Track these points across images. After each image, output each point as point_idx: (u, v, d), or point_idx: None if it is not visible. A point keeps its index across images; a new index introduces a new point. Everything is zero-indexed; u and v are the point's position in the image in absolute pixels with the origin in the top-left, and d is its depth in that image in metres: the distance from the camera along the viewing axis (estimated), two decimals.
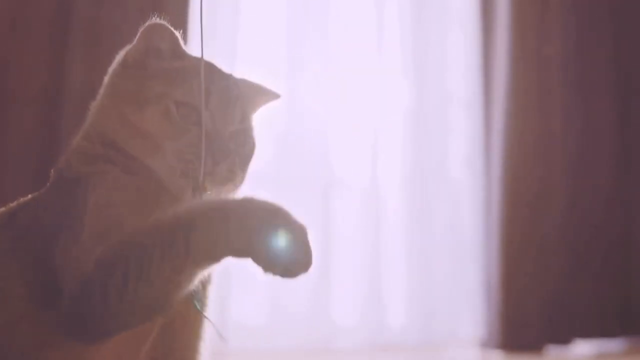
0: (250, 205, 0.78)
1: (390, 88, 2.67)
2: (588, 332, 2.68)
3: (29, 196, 0.96)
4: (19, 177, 1.97)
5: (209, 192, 0.89)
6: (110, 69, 0.98)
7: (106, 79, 0.98)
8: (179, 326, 0.90)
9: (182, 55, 0.96)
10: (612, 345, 2.71)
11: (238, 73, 1.01)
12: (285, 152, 2.46)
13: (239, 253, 0.77)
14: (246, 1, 2.47)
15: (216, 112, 0.92)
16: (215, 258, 0.78)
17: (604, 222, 2.78)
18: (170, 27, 0.96)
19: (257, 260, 0.77)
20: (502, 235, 2.60)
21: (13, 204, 0.95)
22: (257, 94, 1.01)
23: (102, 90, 0.97)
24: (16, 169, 1.98)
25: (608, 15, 2.90)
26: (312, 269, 0.79)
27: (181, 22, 2.09)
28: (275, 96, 1.03)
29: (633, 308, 2.77)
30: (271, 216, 0.78)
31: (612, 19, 2.90)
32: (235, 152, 0.92)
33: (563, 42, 2.76)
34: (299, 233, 0.79)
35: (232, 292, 2.26)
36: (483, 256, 2.67)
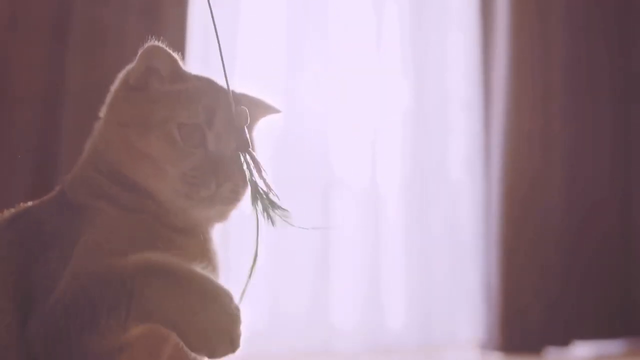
0: (194, 283, 0.82)
1: (390, 88, 2.66)
2: (588, 334, 2.68)
3: (30, 203, 0.96)
4: (19, 177, 1.97)
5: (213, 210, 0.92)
6: (112, 88, 0.98)
7: (108, 98, 0.98)
8: None
9: (183, 76, 0.96)
10: (612, 346, 2.71)
11: (238, 85, 1.00)
12: (285, 152, 2.46)
13: (171, 327, 0.81)
14: (246, 4, 2.47)
15: (220, 132, 0.92)
16: (153, 322, 0.81)
17: (604, 223, 2.79)
18: (167, 49, 0.95)
19: (184, 339, 0.81)
20: (501, 236, 2.60)
21: (14, 210, 0.96)
22: (257, 107, 1.01)
23: (105, 111, 0.98)
24: (16, 169, 1.98)
25: (608, 16, 2.90)
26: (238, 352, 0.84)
27: (180, 23, 2.09)
28: (274, 110, 1.04)
29: (633, 309, 2.78)
30: (208, 300, 0.82)
31: (612, 20, 2.90)
32: (238, 171, 0.92)
33: (563, 42, 2.76)
34: (227, 322, 0.84)
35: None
36: (482, 257, 2.67)
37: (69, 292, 0.81)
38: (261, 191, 0.91)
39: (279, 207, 0.92)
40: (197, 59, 2.21)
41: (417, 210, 2.64)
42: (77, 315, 0.79)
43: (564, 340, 2.61)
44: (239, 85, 1.01)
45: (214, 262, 0.96)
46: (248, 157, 0.91)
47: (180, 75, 0.96)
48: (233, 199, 0.93)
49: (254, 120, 1.00)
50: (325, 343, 2.43)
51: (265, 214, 0.92)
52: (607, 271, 2.76)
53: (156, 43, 0.95)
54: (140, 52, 0.95)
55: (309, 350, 2.38)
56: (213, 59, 2.31)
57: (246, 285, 0.94)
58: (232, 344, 0.84)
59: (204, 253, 0.95)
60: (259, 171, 0.91)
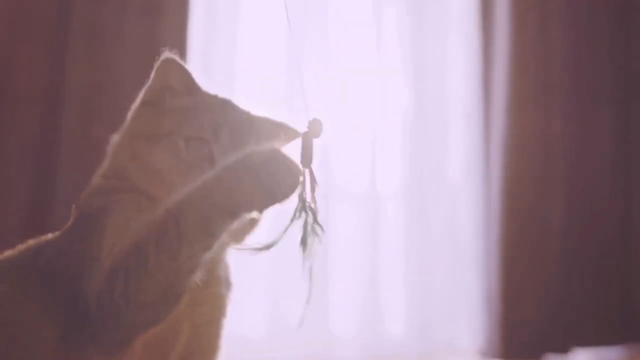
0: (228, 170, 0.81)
1: (390, 91, 2.65)
2: (587, 341, 2.67)
3: (50, 235, 0.96)
4: (19, 177, 1.97)
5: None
6: (132, 106, 1.00)
7: (128, 115, 1.00)
8: (205, 330, 0.94)
9: (195, 90, 0.98)
10: (612, 353, 2.70)
11: (258, 109, 1.02)
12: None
13: (230, 211, 0.80)
14: (246, 5, 2.46)
15: (227, 147, 0.93)
16: (209, 229, 0.80)
17: (604, 228, 2.78)
18: (182, 63, 0.97)
19: (250, 203, 0.81)
20: (501, 242, 2.59)
21: (35, 242, 0.95)
22: (274, 130, 1.00)
23: (122, 128, 1.00)
24: (16, 169, 1.97)
25: (608, 16, 2.89)
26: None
27: (180, 23, 2.08)
28: (295, 134, 1.01)
29: (633, 316, 2.77)
30: (247, 167, 0.81)
31: (612, 20, 2.90)
32: None
33: (563, 43, 2.75)
34: (274, 157, 0.82)
35: (230, 303, 2.25)
36: (482, 263, 2.65)
37: (111, 261, 0.82)
38: (308, 209, 0.89)
39: (320, 227, 0.90)
40: (197, 59, 2.21)
41: (416, 213, 2.63)
42: (124, 270, 0.80)
43: (563, 347, 2.60)
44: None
45: (220, 285, 0.97)
46: (307, 173, 0.89)
47: (192, 89, 0.98)
48: None
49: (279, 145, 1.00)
50: (324, 351, 2.42)
51: (307, 231, 0.89)
52: (607, 277, 2.75)
53: (172, 56, 0.97)
54: (156, 66, 0.97)
55: (308, 358, 2.37)
56: (213, 59, 2.31)
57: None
58: (292, 169, 0.84)
59: (210, 274, 0.93)
60: (313, 190, 0.89)
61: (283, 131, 1.01)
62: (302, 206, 0.88)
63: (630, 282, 2.80)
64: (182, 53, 2.01)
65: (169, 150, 0.92)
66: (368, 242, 2.54)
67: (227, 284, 0.99)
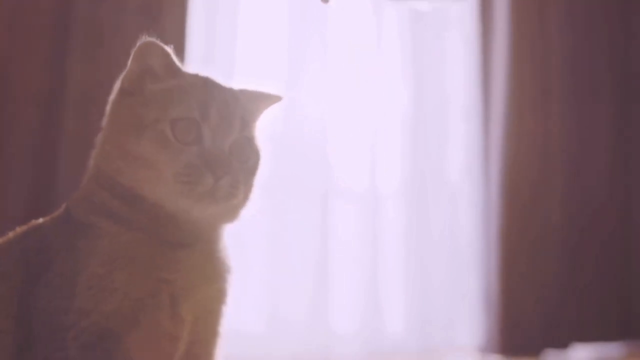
0: None
1: (389, 93, 2.66)
2: (587, 337, 2.68)
3: (40, 220, 0.96)
4: (19, 177, 1.97)
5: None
6: (110, 98, 0.96)
7: (107, 109, 0.96)
8: (205, 320, 0.94)
9: (177, 72, 0.94)
10: (611, 349, 2.71)
11: (237, 83, 0.98)
12: (284, 156, 2.46)
13: None
14: (246, 5, 2.47)
15: (216, 126, 0.90)
16: None
17: (603, 226, 2.78)
18: (161, 43, 0.93)
19: None
20: (500, 240, 2.60)
21: (26, 226, 0.95)
22: (257, 100, 0.99)
23: (104, 122, 0.96)
24: (16, 169, 1.98)
25: (608, 17, 2.90)
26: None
27: (180, 23, 2.08)
28: (276, 98, 1.01)
29: (632, 312, 2.77)
30: None
31: (612, 20, 2.90)
32: (239, 167, 0.91)
33: (562, 47, 2.76)
34: None
35: (230, 300, 2.26)
36: (481, 261, 2.66)
37: (87, 332, 0.83)
38: None
39: None
40: (197, 59, 2.22)
41: (416, 214, 2.63)
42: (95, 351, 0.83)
43: (563, 343, 2.61)
44: (239, 86, 1.00)
45: (221, 270, 0.95)
46: None
47: (173, 70, 0.94)
48: (233, 194, 0.90)
49: (257, 113, 0.99)
50: (324, 348, 2.43)
51: None
52: (606, 274, 2.76)
53: (148, 39, 0.93)
54: (133, 51, 0.93)
55: (308, 356, 2.37)
56: (213, 59, 2.31)
57: None
58: None
59: (209, 262, 0.93)
60: None
61: (264, 98, 1.00)
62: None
63: (629, 279, 2.81)
64: (182, 53, 2.02)
65: (155, 139, 0.88)
66: (368, 240, 2.55)
67: (227, 268, 0.96)
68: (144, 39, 0.93)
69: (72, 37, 2.02)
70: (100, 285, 0.84)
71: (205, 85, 0.93)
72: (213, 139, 0.89)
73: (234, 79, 2.33)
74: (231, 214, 0.94)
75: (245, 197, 0.93)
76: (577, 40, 2.82)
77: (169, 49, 0.94)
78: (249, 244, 2.38)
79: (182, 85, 0.92)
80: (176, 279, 0.88)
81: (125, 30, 2.02)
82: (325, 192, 2.51)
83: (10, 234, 0.95)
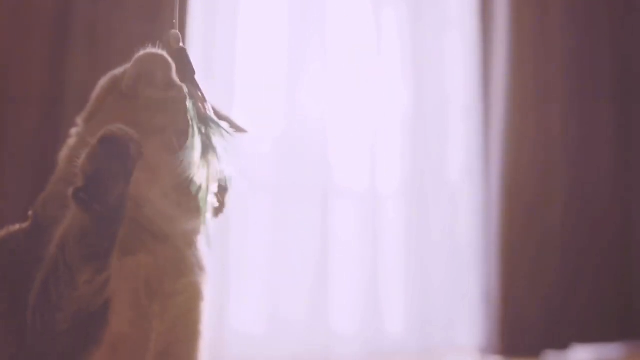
0: None
1: (389, 93, 2.66)
2: (587, 337, 2.68)
3: (17, 226, 0.96)
4: (19, 177, 1.97)
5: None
6: (94, 96, 0.98)
7: (89, 107, 0.98)
8: (183, 319, 0.94)
9: (175, 83, 0.95)
10: (611, 350, 2.71)
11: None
12: (285, 155, 2.46)
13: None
14: (246, 5, 2.47)
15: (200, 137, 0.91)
16: (91, 251, 0.83)
17: (604, 226, 2.78)
18: (165, 55, 0.95)
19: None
20: (500, 241, 2.59)
21: (3, 232, 0.96)
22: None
23: (84, 120, 0.98)
24: (16, 169, 1.98)
25: (608, 17, 2.89)
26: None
27: (180, 23, 2.08)
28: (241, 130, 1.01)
29: (632, 313, 2.77)
30: None
31: (612, 20, 2.90)
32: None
33: (563, 46, 2.75)
34: None
35: (231, 300, 2.26)
36: (482, 261, 2.66)
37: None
38: (203, 117, 0.89)
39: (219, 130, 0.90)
40: (197, 59, 2.21)
41: (416, 214, 2.63)
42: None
43: (563, 343, 2.61)
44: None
45: (193, 266, 0.96)
46: (189, 83, 0.90)
47: (172, 82, 0.95)
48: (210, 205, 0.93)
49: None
50: (324, 348, 2.43)
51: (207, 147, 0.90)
52: (606, 274, 2.76)
53: (154, 50, 0.95)
54: (136, 58, 0.95)
55: (308, 356, 2.37)
56: (213, 60, 2.31)
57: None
58: None
59: (182, 257, 0.94)
60: (202, 100, 0.90)
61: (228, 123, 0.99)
62: (192, 123, 0.88)
63: (629, 279, 2.80)
64: None
65: (163, 147, 0.90)
66: (368, 240, 2.55)
67: (200, 269, 0.97)
68: (150, 48, 0.95)
69: (72, 37, 2.02)
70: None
71: (190, 100, 0.94)
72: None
73: (234, 79, 2.34)
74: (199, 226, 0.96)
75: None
76: (578, 39, 2.81)
77: (172, 62, 0.95)
78: (249, 244, 2.38)
79: (182, 97, 0.93)
80: (149, 264, 0.90)
81: (125, 30, 2.01)
82: (325, 192, 2.50)
83: None
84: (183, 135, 0.90)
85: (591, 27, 2.86)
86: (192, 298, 0.95)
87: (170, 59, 0.95)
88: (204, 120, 0.90)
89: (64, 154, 0.99)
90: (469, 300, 2.66)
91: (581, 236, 2.73)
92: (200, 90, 0.91)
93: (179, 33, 0.92)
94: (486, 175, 2.68)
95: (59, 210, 0.89)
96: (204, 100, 0.90)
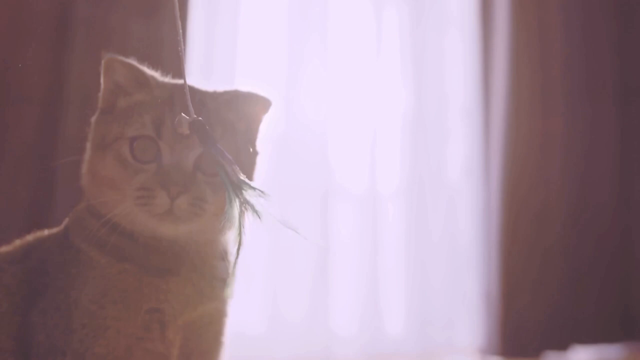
0: None
1: (389, 94, 2.66)
2: (587, 338, 2.68)
3: (45, 232, 0.96)
4: (19, 177, 1.97)
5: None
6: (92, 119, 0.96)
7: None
8: (204, 332, 0.95)
9: (144, 84, 0.91)
10: (611, 351, 2.71)
11: (232, 85, 0.97)
12: (284, 156, 2.46)
13: None
14: (246, 5, 2.46)
15: (172, 142, 0.87)
16: None
17: (605, 228, 2.78)
18: (122, 59, 0.91)
19: None
20: (501, 242, 2.59)
21: (29, 238, 0.95)
22: (254, 105, 0.96)
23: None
24: (16, 169, 1.97)
25: (608, 16, 2.89)
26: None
27: (181, 23, 2.08)
28: (268, 102, 0.98)
29: (633, 314, 2.77)
30: None
31: (612, 20, 2.90)
32: (206, 181, 0.88)
33: (563, 46, 2.75)
34: None
35: (231, 301, 2.26)
36: (482, 263, 2.66)
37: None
38: (236, 182, 0.84)
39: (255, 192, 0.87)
40: (197, 60, 2.21)
41: (416, 214, 2.63)
42: None
43: (563, 344, 2.61)
44: (239, 87, 0.98)
45: (209, 293, 0.94)
46: (214, 151, 0.84)
47: (140, 82, 0.91)
48: (195, 213, 0.87)
49: (256, 119, 0.97)
50: (324, 349, 2.42)
51: (244, 207, 0.87)
52: (607, 275, 2.75)
53: (109, 55, 0.92)
54: (102, 70, 0.92)
55: (308, 357, 2.37)
56: (213, 60, 2.31)
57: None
58: None
59: (195, 289, 0.92)
60: (230, 164, 0.84)
61: (254, 103, 0.97)
62: (228, 189, 0.84)
63: (629, 280, 2.80)
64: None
65: (116, 158, 0.87)
66: (368, 241, 2.55)
67: (221, 285, 0.96)
68: (105, 55, 0.92)
69: (72, 37, 2.02)
70: (92, 324, 0.84)
71: (170, 97, 0.90)
72: (171, 155, 0.87)
73: (234, 79, 2.34)
74: (210, 229, 0.91)
75: (219, 211, 0.87)
76: (578, 39, 2.81)
77: (132, 62, 0.92)
78: (249, 245, 2.37)
79: (143, 100, 0.90)
80: (165, 308, 0.88)
81: (125, 30, 2.01)
82: (325, 193, 2.50)
83: (17, 243, 0.95)
84: (139, 142, 0.86)
85: (591, 27, 2.86)
86: (211, 319, 0.95)
87: (127, 60, 0.92)
88: (236, 185, 0.85)
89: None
90: (469, 301, 2.66)
91: (582, 237, 2.73)
92: (224, 155, 0.84)
93: (185, 116, 0.85)
94: (486, 175, 2.68)
95: (82, 242, 0.89)
96: (232, 163, 0.84)
